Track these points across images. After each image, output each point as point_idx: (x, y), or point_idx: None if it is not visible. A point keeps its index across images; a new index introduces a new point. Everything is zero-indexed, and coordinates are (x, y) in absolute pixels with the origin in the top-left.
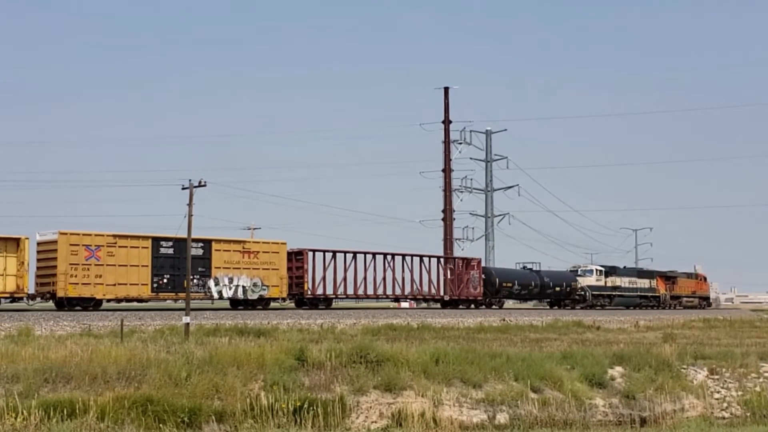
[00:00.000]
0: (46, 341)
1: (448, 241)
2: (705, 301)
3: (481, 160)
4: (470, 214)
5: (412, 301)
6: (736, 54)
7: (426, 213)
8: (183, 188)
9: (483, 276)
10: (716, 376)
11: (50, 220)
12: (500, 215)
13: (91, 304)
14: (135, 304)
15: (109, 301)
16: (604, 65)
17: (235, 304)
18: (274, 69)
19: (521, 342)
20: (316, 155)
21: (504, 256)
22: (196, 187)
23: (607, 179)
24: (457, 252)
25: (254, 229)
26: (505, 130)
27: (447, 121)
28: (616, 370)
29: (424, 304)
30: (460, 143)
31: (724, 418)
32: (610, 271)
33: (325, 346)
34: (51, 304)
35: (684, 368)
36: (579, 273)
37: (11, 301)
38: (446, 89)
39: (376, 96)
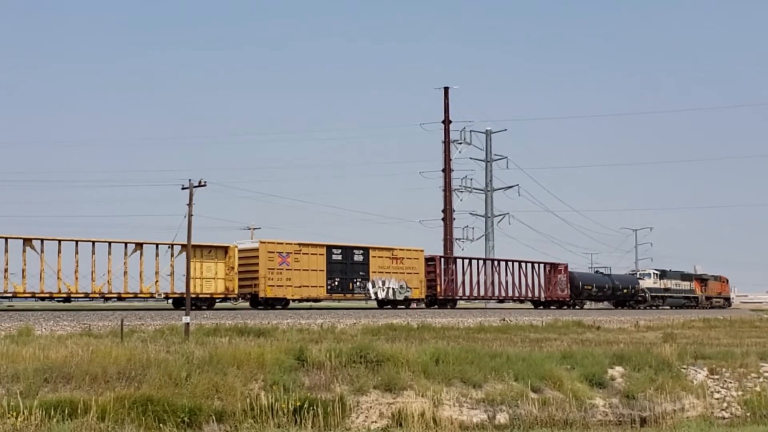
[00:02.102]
0: (46, 341)
1: (448, 241)
2: (727, 302)
3: (481, 160)
4: (470, 214)
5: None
6: (737, 54)
7: (426, 213)
8: (183, 188)
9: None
10: (716, 376)
11: (50, 221)
12: (500, 215)
13: (282, 304)
14: (227, 303)
15: (293, 300)
16: (604, 65)
17: (382, 304)
18: (273, 69)
19: (521, 342)
20: (316, 155)
21: (504, 256)
22: (196, 187)
23: (607, 179)
24: (457, 252)
25: (254, 229)
26: (505, 130)
27: (447, 121)
28: (616, 370)
29: (517, 305)
30: (460, 143)
31: (724, 418)
32: (662, 274)
33: (325, 346)
34: (241, 303)
35: (684, 368)
36: (638, 276)
37: (221, 301)
38: (446, 89)
39: (376, 96)
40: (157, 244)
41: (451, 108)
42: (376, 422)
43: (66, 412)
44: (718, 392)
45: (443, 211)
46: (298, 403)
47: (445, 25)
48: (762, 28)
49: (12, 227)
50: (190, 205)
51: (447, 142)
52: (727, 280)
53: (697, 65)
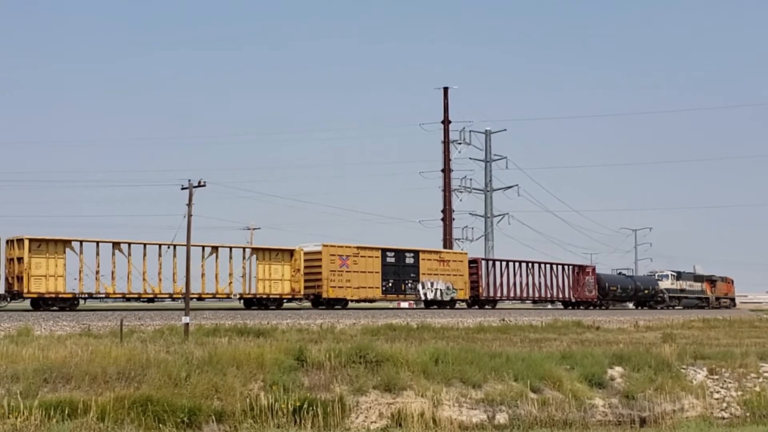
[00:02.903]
0: (45, 341)
1: (448, 241)
2: (732, 302)
3: (480, 160)
4: (470, 214)
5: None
6: (737, 54)
7: (426, 213)
8: (183, 188)
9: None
10: (716, 376)
11: (51, 221)
12: (500, 215)
13: (341, 304)
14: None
15: (352, 301)
16: (604, 65)
17: (428, 304)
18: (273, 69)
19: (521, 342)
20: (316, 155)
21: (503, 256)
22: (196, 187)
23: (607, 179)
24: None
25: (254, 229)
26: (505, 130)
27: (446, 121)
28: (616, 370)
29: (549, 305)
30: (460, 143)
31: (723, 418)
32: (678, 275)
33: (325, 346)
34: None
35: (683, 368)
36: (657, 277)
37: (287, 301)
38: (446, 89)
39: (376, 96)
40: (230, 248)
41: (451, 108)
42: (375, 422)
43: (66, 412)
44: (718, 392)
45: (443, 211)
46: (298, 404)
47: (445, 25)
48: (762, 28)
49: (12, 227)
50: (189, 205)
51: (446, 142)
52: (732, 281)
53: (697, 65)
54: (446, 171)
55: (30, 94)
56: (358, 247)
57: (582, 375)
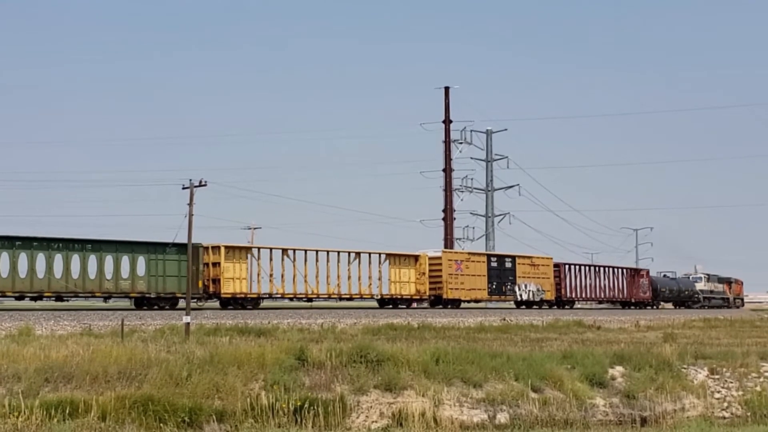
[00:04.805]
0: (46, 341)
1: (449, 240)
2: (741, 302)
3: (481, 160)
4: (471, 213)
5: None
6: (737, 53)
7: (426, 213)
8: (183, 188)
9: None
10: (716, 376)
11: (50, 220)
12: (501, 215)
13: (456, 305)
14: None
15: (464, 301)
16: (604, 65)
17: (519, 304)
18: (273, 69)
19: (522, 342)
20: (316, 155)
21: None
22: (196, 187)
23: (607, 179)
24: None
25: (254, 229)
26: (506, 129)
27: (447, 121)
28: (617, 370)
29: (603, 305)
30: (461, 143)
31: (724, 417)
32: (708, 278)
33: (326, 345)
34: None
35: (684, 368)
36: (692, 279)
37: (417, 302)
38: (446, 89)
39: (376, 96)
40: (369, 254)
41: (452, 108)
42: (376, 422)
43: (67, 411)
44: (719, 392)
45: (444, 210)
46: (299, 403)
47: (446, 25)
48: (762, 28)
49: (12, 227)
50: (190, 204)
51: (447, 142)
52: (742, 282)
53: (697, 65)
54: (447, 171)
55: (30, 94)
56: (469, 253)
57: (583, 375)
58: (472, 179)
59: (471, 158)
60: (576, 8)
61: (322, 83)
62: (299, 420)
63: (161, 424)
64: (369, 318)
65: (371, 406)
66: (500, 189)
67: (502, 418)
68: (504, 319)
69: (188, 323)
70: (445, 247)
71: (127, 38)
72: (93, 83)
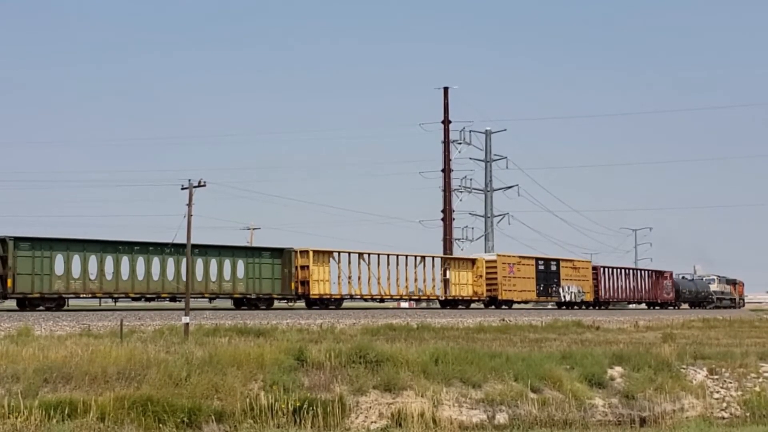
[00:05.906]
0: (45, 341)
1: (448, 241)
2: (743, 302)
3: (480, 160)
4: (470, 214)
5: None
6: (737, 53)
7: (426, 213)
8: (183, 188)
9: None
10: (716, 376)
11: (51, 221)
12: (500, 215)
13: (508, 305)
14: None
15: (515, 302)
16: (604, 65)
17: (560, 305)
18: (273, 69)
19: (521, 342)
20: (316, 155)
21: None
22: (196, 187)
23: (607, 179)
24: (457, 252)
25: (254, 229)
26: (505, 130)
27: (446, 121)
28: (616, 370)
29: (631, 305)
30: (460, 143)
31: (723, 418)
32: (719, 279)
33: (325, 346)
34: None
35: (683, 368)
36: (706, 280)
37: (474, 303)
38: (446, 89)
39: (376, 96)
40: (433, 257)
41: (451, 108)
42: (375, 422)
43: (66, 412)
44: (718, 392)
45: (443, 211)
46: (298, 404)
47: (445, 25)
48: (762, 28)
49: (13, 227)
50: (189, 205)
51: (447, 142)
52: (743, 283)
53: (697, 65)
54: (446, 171)
55: (30, 94)
56: (520, 257)
57: (582, 375)
58: (471, 179)
59: (470, 158)
60: (576, 8)
61: (322, 83)
62: (298, 420)
63: (160, 425)
64: (368, 318)
65: (370, 407)
66: (499, 189)
67: (501, 418)
68: (503, 320)
69: (187, 324)
70: (444, 248)
71: (127, 38)
72: (93, 83)
